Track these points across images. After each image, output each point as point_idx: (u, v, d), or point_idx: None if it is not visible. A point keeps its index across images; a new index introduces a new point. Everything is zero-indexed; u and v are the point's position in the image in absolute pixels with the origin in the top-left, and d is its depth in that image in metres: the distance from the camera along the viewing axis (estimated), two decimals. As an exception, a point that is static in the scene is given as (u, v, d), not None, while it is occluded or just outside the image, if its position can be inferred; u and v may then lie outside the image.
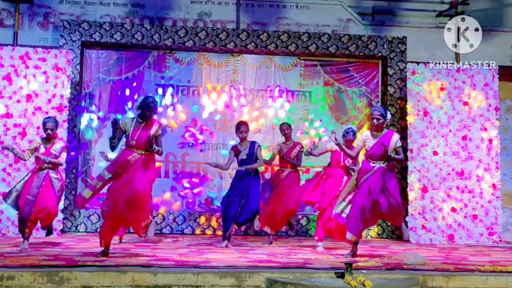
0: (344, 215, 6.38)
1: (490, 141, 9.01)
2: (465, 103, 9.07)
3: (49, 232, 6.99)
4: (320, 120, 9.77)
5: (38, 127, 8.36)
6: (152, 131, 5.88)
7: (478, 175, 8.92)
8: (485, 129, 9.03)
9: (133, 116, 6.18)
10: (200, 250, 6.69)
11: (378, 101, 9.83)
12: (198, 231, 9.27)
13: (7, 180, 8.26)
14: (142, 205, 5.82)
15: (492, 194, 8.91)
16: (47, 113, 8.41)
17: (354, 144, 7.25)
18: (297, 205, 7.89)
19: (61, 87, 8.54)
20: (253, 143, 7.53)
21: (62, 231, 8.45)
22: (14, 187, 6.81)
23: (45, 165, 6.71)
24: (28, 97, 8.44)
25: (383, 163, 6.23)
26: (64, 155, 6.92)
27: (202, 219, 9.31)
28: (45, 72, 8.53)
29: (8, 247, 6.46)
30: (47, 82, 8.51)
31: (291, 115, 9.76)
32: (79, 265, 4.97)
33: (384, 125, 6.38)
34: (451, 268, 5.34)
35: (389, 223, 8.88)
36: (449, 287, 4.89)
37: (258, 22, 10.32)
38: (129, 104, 9.49)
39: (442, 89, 9.08)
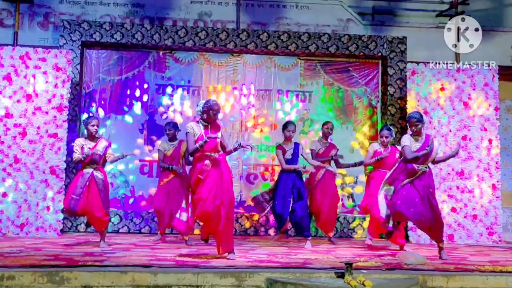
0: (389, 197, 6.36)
1: (490, 141, 9.02)
2: (465, 103, 9.08)
3: (102, 237, 6.97)
4: (321, 121, 9.77)
5: (38, 127, 8.37)
6: (220, 133, 5.92)
7: (478, 175, 8.93)
8: (485, 129, 9.03)
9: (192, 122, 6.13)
10: (200, 250, 6.69)
11: (378, 101, 9.83)
12: (198, 231, 9.26)
13: (7, 180, 8.27)
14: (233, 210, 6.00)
15: (492, 194, 8.92)
16: (47, 113, 8.43)
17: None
18: (337, 203, 8.21)
19: (61, 87, 8.55)
20: (297, 144, 7.67)
21: (62, 231, 8.45)
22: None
23: (90, 164, 6.82)
24: (28, 97, 8.45)
25: (426, 167, 6.23)
26: (110, 152, 7.06)
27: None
28: (45, 72, 8.54)
29: (9, 247, 6.46)
30: (47, 82, 8.52)
31: (291, 115, 9.76)
32: (79, 265, 4.97)
33: (422, 128, 6.35)
34: (451, 268, 5.34)
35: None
36: (449, 287, 4.89)
37: (258, 22, 10.32)
38: (130, 105, 9.54)
39: (442, 89, 9.08)
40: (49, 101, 8.48)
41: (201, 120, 5.94)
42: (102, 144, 6.98)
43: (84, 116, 9.35)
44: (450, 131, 8.98)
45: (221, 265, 5.19)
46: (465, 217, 8.84)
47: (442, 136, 8.94)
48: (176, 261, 5.44)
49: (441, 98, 9.07)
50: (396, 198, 6.22)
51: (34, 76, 8.50)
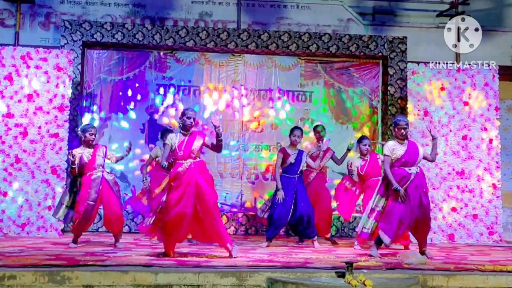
0: (365, 230, 6.35)
1: (490, 141, 9.03)
2: (466, 103, 9.09)
3: (118, 238, 7.02)
4: (321, 121, 9.78)
5: (39, 127, 8.39)
6: (199, 142, 5.91)
7: (478, 175, 8.93)
8: (485, 129, 9.04)
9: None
10: (201, 249, 6.70)
11: (378, 101, 9.84)
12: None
13: (8, 180, 8.28)
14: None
15: (492, 193, 8.93)
16: (48, 113, 8.44)
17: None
18: (331, 204, 8.10)
19: (62, 87, 8.56)
20: (301, 152, 7.54)
21: (63, 231, 8.46)
22: (62, 203, 6.91)
23: (97, 168, 6.86)
24: (29, 97, 8.46)
25: (417, 168, 6.26)
26: (110, 154, 7.14)
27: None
28: (46, 72, 8.55)
29: (10, 247, 6.47)
30: (48, 82, 8.53)
31: (292, 115, 9.78)
32: (80, 264, 4.98)
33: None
34: (452, 267, 5.35)
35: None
36: (450, 286, 4.90)
37: (259, 22, 10.34)
38: (131, 105, 9.56)
39: (442, 89, 9.09)
40: (50, 101, 8.49)
41: (180, 130, 5.98)
42: (101, 149, 7.04)
43: (85, 116, 9.37)
44: (451, 131, 8.99)
45: (222, 265, 5.20)
46: (465, 216, 8.85)
47: (443, 136, 8.95)
48: (177, 261, 5.45)
49: (441, 98, 9.07)
50: (389, 221, 6.16)
51: (35, 76, 8.51)
